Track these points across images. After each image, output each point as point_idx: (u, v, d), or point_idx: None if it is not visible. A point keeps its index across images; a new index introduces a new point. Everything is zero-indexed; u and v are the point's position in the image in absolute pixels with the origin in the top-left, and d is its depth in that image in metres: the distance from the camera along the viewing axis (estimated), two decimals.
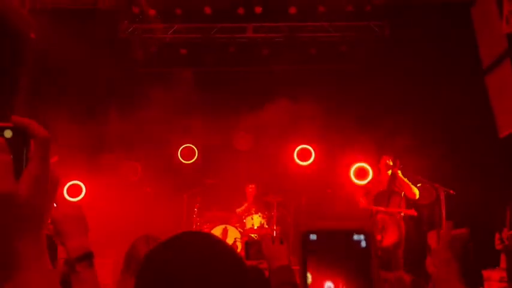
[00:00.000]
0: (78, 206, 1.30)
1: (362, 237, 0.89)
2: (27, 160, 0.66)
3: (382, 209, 6.02)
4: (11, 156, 0.65)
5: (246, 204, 7.59)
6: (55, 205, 1.24)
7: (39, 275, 0.65)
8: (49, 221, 1.25)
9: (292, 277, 1.59)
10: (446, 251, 1.57)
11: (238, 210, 7.57)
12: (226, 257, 0.92)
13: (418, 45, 7.53)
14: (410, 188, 6.05)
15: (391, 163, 6.18)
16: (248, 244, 1.81)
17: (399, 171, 6.09)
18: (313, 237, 0.92)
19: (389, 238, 5.90)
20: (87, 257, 1.20)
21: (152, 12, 8.22)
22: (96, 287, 1.21)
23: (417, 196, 6.21)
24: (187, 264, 0.88)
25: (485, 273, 6.34)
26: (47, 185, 0.67)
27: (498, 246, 6.36)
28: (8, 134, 0.66)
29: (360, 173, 7.91)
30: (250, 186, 7.64)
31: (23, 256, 0.64)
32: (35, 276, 0.65)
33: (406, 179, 6.10)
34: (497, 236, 6.34)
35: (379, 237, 5.87)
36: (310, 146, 8.23)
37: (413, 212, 6.20)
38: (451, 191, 6.15)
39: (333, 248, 0.91)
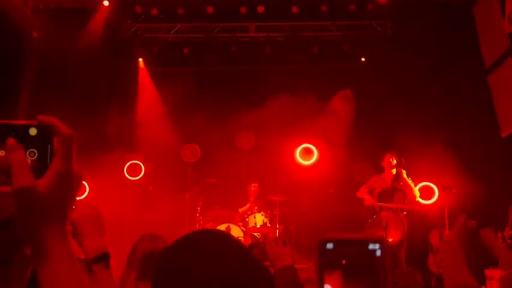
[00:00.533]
0: (96, 207, 1.31)
1: (377, 246, 0.92)
2: (51, 157, 0.69)
3: (389, 205, 6.01)
4: (24, 153, 0.67)
5: (248, 204, 7.60)
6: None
7: (63, 264, 0.69)
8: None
9: (297, 277, 1.60)
10: (457, 240, 1.58)
11: (241, 210, 7.58)
12: (240, 254, 0.94)
13: (420, 45, 7.52)
14: (412, 190, 6.05)
15: (394, 161, 6.18)
16: (252, 245, 1.85)
17: (404, 171, 6.07)
18: (329, 246, 0.96)
19: (392, 236, 5.91)
20: (104, 258, 1.22)
21: (155, 11, 8.24)
22: (111, 287, 1.22)
23: (417, 198, 6.22)
24: (204, 262, 0.89)
25: (488, 272, 6.33)
26: (70, 180, 0.70)
27: (500, 245, 6.36)
28: (33, 131, 0.69)
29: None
30: (252, 185, 7.65)
31: (49, 246, 0.68)
32: (60, 265, 0.69)
33: (409, 180, 6.09)
34: (499, 235, 6.33)
35: (382, 234, 5.88)
36: (313, 145, 8.23)
37: (418, 206, 6.20)
38: (453, 190, 6.15)
39: (349, 256, 0.94)
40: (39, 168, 0.68)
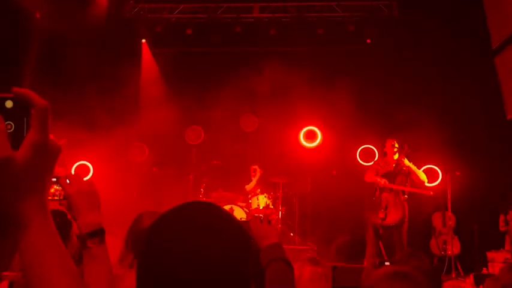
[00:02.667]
0: (92, 182, 1.31)
1: None
2: (28, 128, 0.69)
3: (401, 187, 6.01)
4: (5, 124, 0.67)
5: (254, 181, 7.61)
6: (68, 181, 1.26)
7: (43, 235, 0.70)
8: (62, 197, 1.27)
9: (283, 253, 1.57)
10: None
11: (247, 186, 7.62)
12: (229, 227, 0.92)
13: (427, 25, 7.42)
14: (418, 175, 6.04)
15: (396, 145, 6.16)
16: None
17: (405, 159, 6.04)
18: None
19: (392, 216, 5.95)
20: (99, 233, 1.22)
21: None
22: (107, 263, 1.23)
23: (426, 182, 6.20)
24: (191, 235, 0.88)
25: (490, 254, 6.37)
26: (46, 152, 0.70)
27: (502, 228, 6.38)
28: (9, 104, 0.70)
29: (366, 154, 7.91)
30: (253, 167, 7.67)
31: (27, 217, 0.69)
32: (38, 236, 0.69)
33: (413, 167, 6.07)
34: (501, 218, 6.35)
35: (382, 215, 5.91)
36: (317, 127, 8.22)
37: (429, 192, 6.20)
38: (457, 173, 6.13)
39: None
40: (16, 141, 0.68)
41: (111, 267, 1.24)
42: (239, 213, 7.02)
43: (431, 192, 6.19)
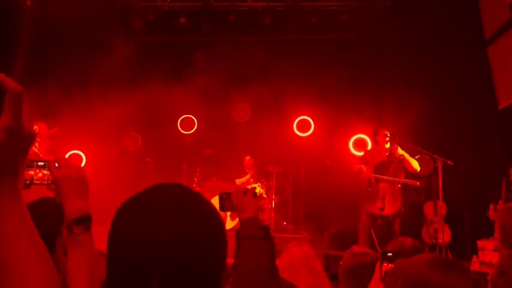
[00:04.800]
0: (80, 168, 1.30)
1: None
2: (1, 113, 0.69)
3: (388, 178, 6.04)
4: None
5: (248, 175, 7.63)
6: (57, 165, 1.25)
7: (15, 220, 0.70)
8: (51, 181, 1.26)
9: (257, 228, 1.59)
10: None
11: (238, 181, 7.63)
12: (197, 206, 0.92)
13: (420, 15, 7.42)
14: (411, 164, 6.07)
15: (388, 135, 6.18)
16: (222, 195, 1.82)
17: (399, 147, 6.06)
18: None
19: (390, 207, 5.99)
20: (85, 220, 1.21)
21: None
22: (91, 251, 1.22)
23: (418, 170, 6.24)
24: (151, 219, 0.87)
25: (480, 242, 6.45)
26: (19, 136, 0.70)
27: (492, 216, 6.45)
28: None
29: (359, 144, 7.94)
30: (246, 158, 7.68)
31: None
32: (10, 221, 0.69)
33: (406, 154, 6.09)
34: (491, 207, 6.42)
35: (380, 205, 5.94)
36: (310, 117, 8.23)
37: (416, 183, 6.25)
38: (449, 162, 6.18)
39: None
40: None
41: (95, 254, 1.23)
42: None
43: (418, 183, 6.24)
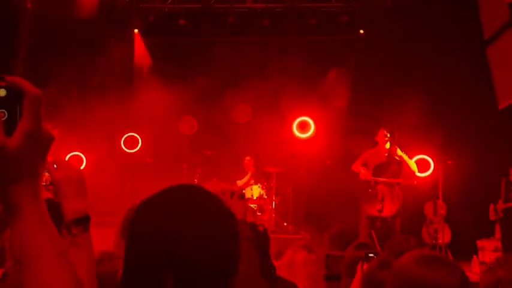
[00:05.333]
0: (79, 169, 1.30)
1: None
2: (20, 117, 0.70)
3: (385, 180, 6.04)
4: (0, 111, 0.69)
5: (248, 175, 7.62)
6: (55, 166, 1.26)
7: (35, 222, 0.71)
8: (49, 183, 1.27)
9: (246, 231, 1.57)
10: None
11: (239, 182, 7.63)
12: (212, 205, 0.95)
13: (420, 16, 7.43)
14: (409, 165, 6.08)
15: (388, 135, 6.19)
16: None
17: (398, 148, 6.06)
18: None
19: (389, 208, 5.98)
20: (84, 221, 1.22)
21: None
22: (90, 251, 1.23)
23: (417, 172, 6.24)
24: (172, 215, 0.90)
25: (480, 243, 6.46)
26: (39, 139, 0.71)
27: (492, 217, 6.46)
28: (2, 92, 0.70)
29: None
30: (246, 158, 7.68)
31: (19, 204, 0.70)
32: (30, 223, 0.71)
33: (405, 155, 6.09)
34: (491, 207, 6.42)
35: (379, 207, 5.94)
36: (310, 118, 8.23)
37: (413, 182, 6.25)
38: (449, 162, 6.18)
39: None
40: (9, 129, 0.69)
41: (93, 255, 1.24)
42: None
43: (415, 182, 6.23)
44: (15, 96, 0.70)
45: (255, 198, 7.33)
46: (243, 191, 7.37)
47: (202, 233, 0.89)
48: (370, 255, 1.89)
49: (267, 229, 2.49)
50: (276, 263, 2.31)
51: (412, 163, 6.12)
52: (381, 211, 5.93)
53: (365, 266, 1.87)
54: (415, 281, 1.18)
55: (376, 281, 1.96)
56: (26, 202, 0.71)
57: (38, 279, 0.70)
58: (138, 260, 0.89)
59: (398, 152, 6.06)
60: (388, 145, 6.17)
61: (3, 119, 0.69)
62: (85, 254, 1.20)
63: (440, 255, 1.20)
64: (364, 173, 6.03)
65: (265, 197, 7.38)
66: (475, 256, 6.25)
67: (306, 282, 2.42)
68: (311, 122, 8.22)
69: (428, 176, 6.89)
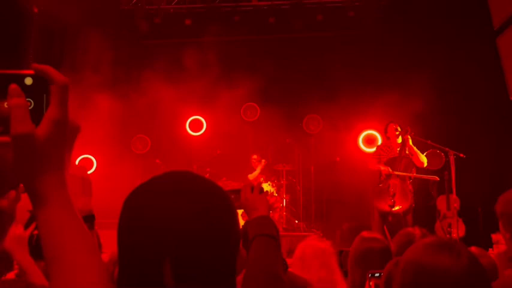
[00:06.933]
0: (84, 168, 1.30)
1: None
2: (47, 105, 0.69)
3: (404, 173, 6.00)
4: (26, 100, 0.68)
5: (258, 170, 7.60)
6: None
7: (62, 211, 0.70)
8: None
9: (271, 228, 1.45)
10: None
11: (250, 176, 7.62)
12: (207, 189, 0.91)
13: (428, 8, 7.35)
14: (419, 157, 6.04)
15: (399, 129, 6.15)
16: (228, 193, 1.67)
17: (410, 138, 6.04)
18: None
19: (400, 203, 5.94)
20: (89, 220, 1.21)
21: None
22: (95, 250, 1.23)
23: (425, 165, 6.19)
24: (163, 198, 0.86)
25: (495, 236, 6.37)
26: (65, 128, 0.70)
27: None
28: (28, 81, 0.69)
29: (369, 140, 7.89)
30: (253, 156, 7.67)
31: (46, 194, 0.69)
32: (58, 212, 0.70)
33: (415, 148, 6.07)
34: None
35: (390, 202, 5.91)
36: (318, 114, 8.19)
37: (434, 177, 6.20)
38: (461, 155, 6.12)
39: None
40: (36, 117, 0.68)
41: (99, 254, 1.23)
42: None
43: (437, 178, 6.19)
44: (41, 85, 0.69)
45: None
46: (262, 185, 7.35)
47: (196, 212, 0.85)
48: (376, 275, 1.86)
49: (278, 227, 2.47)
50: (288, 261, 2.29)
51: (421, 155, 6.08)
52: (392, 206, 5.90)
53: (372, 283, 1.85)
54: (421, 266, 1.17)
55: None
56: (52, 193, 0.70)
57: (67, 272, 0.68)
58: (133, 246, 0.85)
59: (410, 142, 6.03)
60: (399, 139, 6.14)
61: (30, 107, 0.68)
62: None
63: (448, 241, 1.19)
64: (384, 169, 6.00)
65: (276, 194, 7.36)
66: (490, 249, 6.18)
67: (321, 273, 2.39)
68: (319, 118, 8.18)
69: (441, 169, 6.82)
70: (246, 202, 1.58)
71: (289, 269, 2.09)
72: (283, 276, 1.32)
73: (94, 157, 7.77)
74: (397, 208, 5.91)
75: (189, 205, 0.86)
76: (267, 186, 7.37)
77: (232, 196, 1.66)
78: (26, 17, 6.47)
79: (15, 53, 6.28)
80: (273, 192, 7.35)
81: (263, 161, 7.57)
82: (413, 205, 6.05)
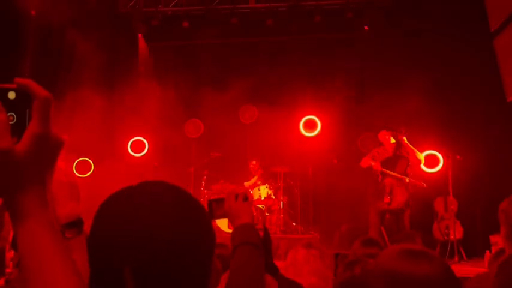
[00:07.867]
0: (71, 172, 1.29)
1: None
2: (30, 120, 0.68)
3: (394, 174, 6.03)
4: (7, 115, 0.66)
5: (256, 177, 7.61)
6: None
7: (41, 227, 0.69)
8: None
9: (253, 236, 1.45)
10: None
11: (246, 183, 7.62)
12: (177, 201, 0.90)
13: (425, 9, 7.37)
14: (416, 154, 6.06)
15: (392, 139, 6.20)
16: (211, 202, 1.64)
17: (405, 138, 6.07)
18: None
19: (397, 201, 5.99)
20: (77, 224, 1.21)
21: None
22: (83, 255, 1.22)
23: (422, 162, 6.22)
24: (130, 209, 0.86)
25: (493, 238, 6.38)
26: (47, 143, 0.69)
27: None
28: (11, 95, 0.69)
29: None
30: (252, 162, 7.67)
31: (26, 209, 0.68)
32: (37, 228, 0.69)
33: (411, 146, 6.11)
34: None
35: (387, 199, 5.95)
36: (316, 116, 8.19)
37: (422, 184, 6.21)
38: (458, 156, 6.13)
39: None
40: (17, 132, 0.67)
41: (79, 273, 1.23)
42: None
43: (425, 185, 6.21)
44: (25, 99, 0.68)
45: (263, 198, 7.31)
46: (250, 192, 7.35)
47: (163, 223, 0.84)
48: None
49: (268, 229, 2.46)
50: (282, 265, 2.29)
51: (418, 153, 6.10)
52: (389, 203, 5.94)
53: None
54: (396, 274, 1.16)
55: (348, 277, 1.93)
56: (32, 210, 0.69)
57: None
58: (98, 253, 0.86)
59: (405, 141, 6.06)
60: (392, 140, 6.17)
61: (12, 122, 0.68)
62: (78, 258, 1.19)
63: (424, 249, 1.19)
64: (375, 165, 6.04)
65: (273, 197, 7.36)
66: (488, 251, 6.18)
67: (312, 280, 2.39)
68: (317, 120, 8.18)
69: (438, 171, 6.83)
70: (229, 210, 1.58)
71: (284, 273, 2.09)
72: (264, 284, 1.33)
73: (91, 160, 7.75)
74: (394, 205, 5.95)
75: (153, 216, 0.85)
76: (264, 189, 7.36)
77: (214, 203, 1.64)
78: (23, 21, 6.46)
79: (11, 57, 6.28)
80: (270, 195, 7.34)
81: (258, 166, 7.57)
82: (411, 203, 6.08)
